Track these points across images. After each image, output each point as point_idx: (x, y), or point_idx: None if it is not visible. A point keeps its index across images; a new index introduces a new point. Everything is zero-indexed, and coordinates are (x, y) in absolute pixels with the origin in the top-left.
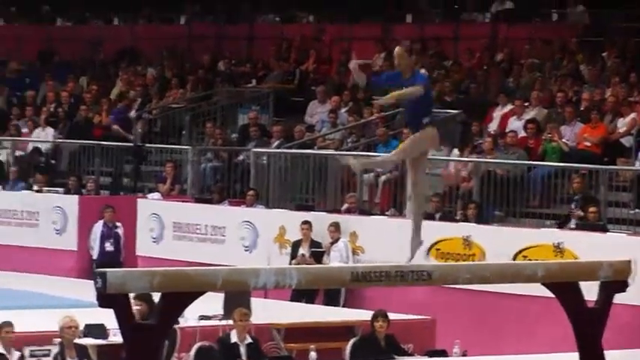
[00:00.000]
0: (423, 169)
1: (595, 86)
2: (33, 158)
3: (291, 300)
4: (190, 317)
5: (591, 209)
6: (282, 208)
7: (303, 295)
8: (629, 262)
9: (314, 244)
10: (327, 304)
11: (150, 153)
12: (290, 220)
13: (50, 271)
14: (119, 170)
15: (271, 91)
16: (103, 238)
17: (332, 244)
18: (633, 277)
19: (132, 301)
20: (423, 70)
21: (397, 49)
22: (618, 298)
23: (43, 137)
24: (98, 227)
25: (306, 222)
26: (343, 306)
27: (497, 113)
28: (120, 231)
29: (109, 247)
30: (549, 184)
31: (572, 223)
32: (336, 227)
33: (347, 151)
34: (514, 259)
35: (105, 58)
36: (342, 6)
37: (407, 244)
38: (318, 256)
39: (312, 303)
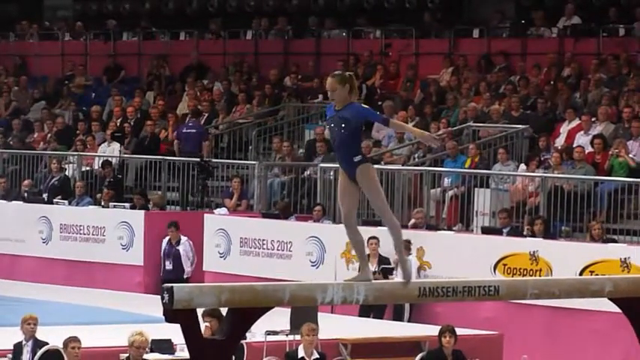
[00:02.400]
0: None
1: None
2: (103, 172)
3: (359, 315)
4: (257, 332)
5: None
6: None
7: (371, 310)
8: None
9: (382, 260)
10: (394, 319)
11: (216, 168)
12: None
13: (117, 286)
14: (186, 186)
15: None
16: (165, 256)
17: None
18: None
19: (202, 318)
20: (356, 103)
21: (328, 79)
22: None
23: (109, 152)
24: (163, 245)
25: (373, 237)
26: (408, 321)
27: (565, 128)
28: (182, 248)
29: (168, 265)
30: (616, 200)
31: None
32: (406, 246)
33: (414, 166)
34: (581, 274)
35: (171, 73)
36: (409, 21)
37: (468, 259)
38: (386, 272)
39: (381, 318)
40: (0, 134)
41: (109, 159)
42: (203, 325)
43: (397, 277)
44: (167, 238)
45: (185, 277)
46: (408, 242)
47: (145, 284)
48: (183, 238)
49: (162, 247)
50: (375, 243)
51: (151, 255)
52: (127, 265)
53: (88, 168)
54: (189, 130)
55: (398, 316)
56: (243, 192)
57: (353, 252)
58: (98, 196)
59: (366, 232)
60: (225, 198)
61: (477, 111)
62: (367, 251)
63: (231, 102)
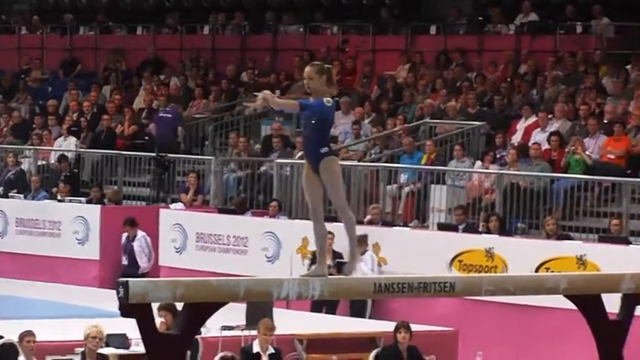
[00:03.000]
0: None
1: (619, 99)
2: (59, 167)
3: (312, 310)
4: (213, 327)
5: (614, 222)
6: (304, 219)
7: (323, 305)
8: None
9: (336, 254)
10: (352, 315)
11: (173, 163)
12: (313, 232)
13: (73, 280)
14: (142, 180)
15: None
16: (122, 251)
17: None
18: None
19: (157, 312)
20: (327, 99)
21: (307, 68)
22: None
23: (66, 147)
24: (122, 240)
25: (329, 232)
26: (369, 318)
27: (521, 125)
28: (136, 244)
29: (124, 261)
30: (572, 197)
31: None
32: (362, 241)
33: (371, 162)
34: (536, 271)
35: (128, 67)
36: (366, 17)
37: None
38: (340, 266)
39: (334, 313)
40: None
41: (65, 153)
42: (158, 320)
43: (359, 273)
44: (125, 233)
45: (140, 272)
46: (364, 237)
47: (101, 278)
48: (140, 234)
49: (122, 243)
50: (330, 238)
51: (106, 249)
52: (83, 259)
53: (44, 162)
54: (165, 115)
55: (358, 313)
56: (199, 187)
57: (309, 247)
58: (54, 190)
59: None
60: (182, 193)
61: (434, 107)
62: None
63: (188, 97)
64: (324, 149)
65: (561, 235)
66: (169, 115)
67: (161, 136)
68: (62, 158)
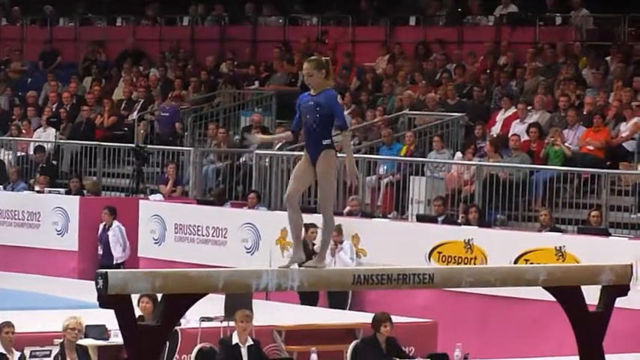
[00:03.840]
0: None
1: (598, 90)
2: (36, 157)
3: (301, 302)
4: (192, 319)
5: (593, 213)
6: (284, 210)
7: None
8: (630, 266)
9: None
10: (331, 306)
11: (152, 154)
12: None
13: (51, 272)
14: (121, 172)
15: (274, 93)
16: (98, 241)
17: (336, 245)
18: (635, 281)
19: (137, 299)
20: (332, 92)
21: (305, 64)
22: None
23: (45, 138)
24: (99, 230)
25: (313, 226)
26: (349, 309)
27: (500, 117)
28: (111, 233)
29: (99, 250)
30: (551, 188)
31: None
32: (338, 231)
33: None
34: (516, 262)
35: (108, 59)
36: (345, 8)
37: (403, 246)
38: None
39: (315, 305)
40: None
41: (42, 144)
42: (142, 306)
43: (338, 264)
44: (103, 223)
45: (115, 262)
46: (339, 226)
47: (80, 270)
48: (115, 224)
49: (98, 233)
50: (313, 232)
51: (85, 240)
52: (62, 250)
53: (22, 153)
54: (165, 114)
55: (339, 304)
56: (178, 178)
57: (288, 238)
58: (32, 181)
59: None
60: (161, 184)
61: (413, 99)
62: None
63: (167, 88)
64: (327, 141)
65: (550, 226)
66: (167, 114)
67: (164, 134)
68: (39, 149)
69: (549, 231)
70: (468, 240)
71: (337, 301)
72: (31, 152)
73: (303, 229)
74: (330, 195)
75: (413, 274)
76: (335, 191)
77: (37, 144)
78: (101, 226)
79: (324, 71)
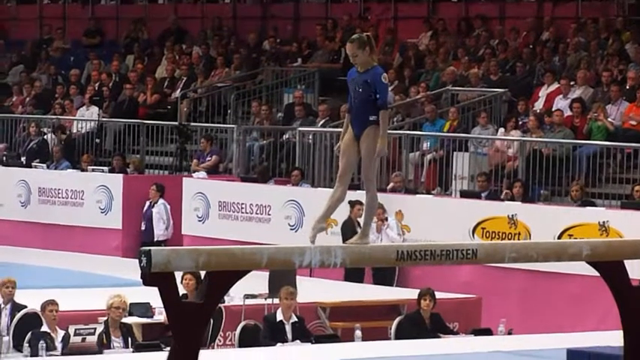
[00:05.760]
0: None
1: None
2: (58, 136)
3: (345, 279)
4: (236, 296)
5: (637, 188)
6: (327, 187)
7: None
8: None
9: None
10: (377, 283)
11: (195, 132)
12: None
13: (95, 250)
14: (164, 149)
15: (317, 70)
16: (142, 217)
17: (383, 222)
18: None
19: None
20: (379, 69)
21: (347, 45)
22: None
23: (88, 116)
24: (145, 207)
25: (359, 203)
26: (396, 286)
27: (543, 92)
28: (155, 210)
29: (143, 226)
30: (595, 163)
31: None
32: (383, 208)
33: (393, 129)
34: (559, 238)
35: (150, 37)
36: None
37: (447, 223)
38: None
39: (361, 282)
40: None
41: (62, 123)
42: (185, 283)
43: (386, 240)
44: (149, 200)
45: (156, 239)
46: (382, 205)
47: (124, 248)
48: (161, 201)
49: (144, 209)
50: (359, 209)
51: (129, 219)
52: (106, 228)
53: (67, 132)
54: None
55: (386, 280)
56: (212, 152)
57: (333, 216)
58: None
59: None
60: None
61: (456, 75)
62: (345, 214)
63: (210, 66)
64: (373, 117)
65: (585, 201)
66: None
67: None
68: (58, 129)
69: (581, 205)
70: (512, 215)
71: (383, 277)
72: (75, 131)
73: (349, 206)
74: (372, 172)
75: (456, 250)
76: (376, 168)
77: (55, 121)
78: (147, 203)
79: (367, 49)
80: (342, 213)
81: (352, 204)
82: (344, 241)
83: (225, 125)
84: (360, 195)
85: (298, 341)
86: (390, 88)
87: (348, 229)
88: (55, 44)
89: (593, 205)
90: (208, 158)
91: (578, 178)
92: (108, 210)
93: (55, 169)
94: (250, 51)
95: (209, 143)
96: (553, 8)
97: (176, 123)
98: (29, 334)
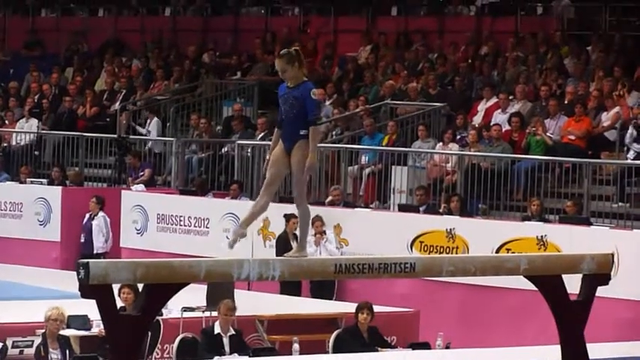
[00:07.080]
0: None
1: (579, 80)
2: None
3: (281, 292)
4: (174, 308)
5: (568, 203)
6: None
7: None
8: (611, 255)
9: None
10: (314, 296)
11: (134, 144)
12: (274, 213)
13: (34, 262)
14: (103, 162)
15: (256, 83)
16: (82, 230)
17: (321, 235)
18: (616, 270)
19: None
20: (309, 84)
21: (276, 61)
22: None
23: (27, 128)
24: (85, 219)
25: (293, 216)
26: (335, 299)
27: (482, 106)
28: (95, 223)
29: (82, 239)
30: (533, 178)
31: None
32: (321, 221)
33: (332, 143)
34: (497, 252)
35: (90, 49)
36: None
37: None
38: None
39: (298, 295)
40: None
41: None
42: (123, 297)
43: (323, 253)
44: (89, 212)
45: (95, 252)
46: (321, 217)
47: (62, 260)
48: (101, 214)
49: (83, 222)
50: (294, 222)
51: (68, 231)
52: (44, 241)
53: (5, 144)
54: None
55: (326, 294)
56: (143, 165)
57: (270, 228)
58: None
59: (282, 208)
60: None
61: (395, 89)
62: (281, 228)
63: (149, 78)
64: (303, 131)
65: (523, 216)
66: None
67: None
68: None
69: (538, 221)
70: (450, 229)
71: (321, 291)
72: (14, 143)
73: (284, 220)
74: (303, 187)
75: (394, 264)
76: (311, 181)
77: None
78: (87, 216)
79: (297, 64)
80: (278, 227)
81: (288, 218)
82: (277, 254)
83: (164, 138)
84: (294, 209)
85: (236, 354)
86: (328, 102)
87: (282, 244)
88: None
89: (531, 219)
90: (141, 173)
91: (517, 194)
92: (47, 222)
93: None
94: (190, 64)
95: (137, 159)
96: (492, 23)
97: (115, 135)
98: None
